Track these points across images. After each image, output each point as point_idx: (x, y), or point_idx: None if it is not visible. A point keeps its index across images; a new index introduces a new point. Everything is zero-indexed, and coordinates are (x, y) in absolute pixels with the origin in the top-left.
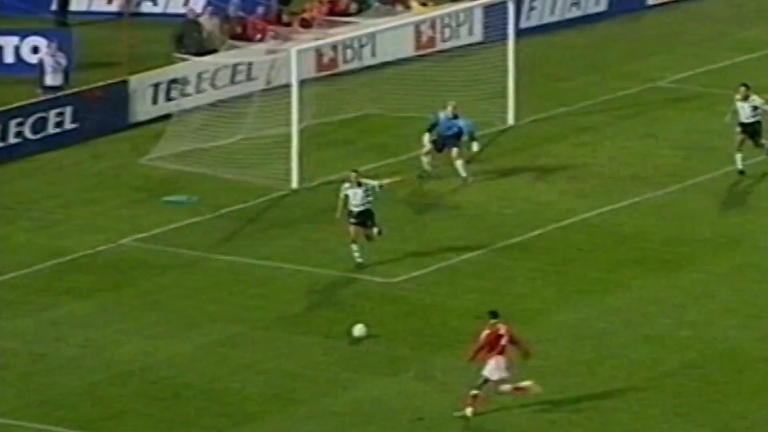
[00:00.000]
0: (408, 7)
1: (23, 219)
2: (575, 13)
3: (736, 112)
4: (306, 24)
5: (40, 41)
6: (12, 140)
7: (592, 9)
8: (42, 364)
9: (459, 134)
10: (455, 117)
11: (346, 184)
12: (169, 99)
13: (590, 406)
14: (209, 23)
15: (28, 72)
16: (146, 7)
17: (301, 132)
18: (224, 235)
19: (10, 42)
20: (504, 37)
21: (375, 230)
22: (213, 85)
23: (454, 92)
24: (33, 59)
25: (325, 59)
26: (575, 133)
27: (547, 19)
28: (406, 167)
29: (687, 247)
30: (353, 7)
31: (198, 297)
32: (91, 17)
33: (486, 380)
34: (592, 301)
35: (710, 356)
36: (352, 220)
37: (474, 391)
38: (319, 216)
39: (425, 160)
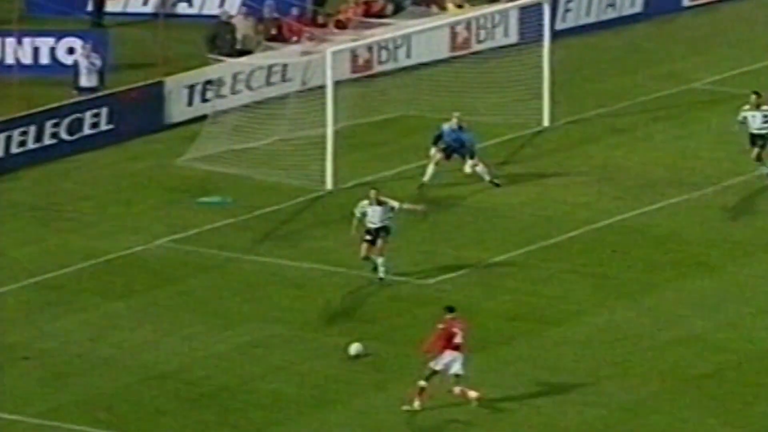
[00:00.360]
0: (443, 9)
1: (59, 220)
2: (611, 14)
3: (744, 122)
4: (341, 25)
5: (76, 42)
6: (48, 141)
7: (628, 10)
8: (78, 365)
9: (464, 146)
10: (460, 128)
11: (365, 201)
12: (204, 100)
13: (625, 407)
14: (243, 24)
15: (63, 73)
16: (182, 8)
17: (336, 133)
18: (259, 236)
19: (45, 43)
20: (539, 39)
21: (379, 260)
22: (248, 87)
23: (489, 93)
24: (68, 60)
25: (360, 60)
26: (610, 135)
27: (583, 20)
28: (439, 169)
29: (722, 248)
30: (389, 8)
31: (233, 298)
32: (127, 18)
33: (435, 372)
34: (628, 303)
35: (746, 358)
36: (367, 237)
37: (422, 383)
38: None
39: (430, 171)
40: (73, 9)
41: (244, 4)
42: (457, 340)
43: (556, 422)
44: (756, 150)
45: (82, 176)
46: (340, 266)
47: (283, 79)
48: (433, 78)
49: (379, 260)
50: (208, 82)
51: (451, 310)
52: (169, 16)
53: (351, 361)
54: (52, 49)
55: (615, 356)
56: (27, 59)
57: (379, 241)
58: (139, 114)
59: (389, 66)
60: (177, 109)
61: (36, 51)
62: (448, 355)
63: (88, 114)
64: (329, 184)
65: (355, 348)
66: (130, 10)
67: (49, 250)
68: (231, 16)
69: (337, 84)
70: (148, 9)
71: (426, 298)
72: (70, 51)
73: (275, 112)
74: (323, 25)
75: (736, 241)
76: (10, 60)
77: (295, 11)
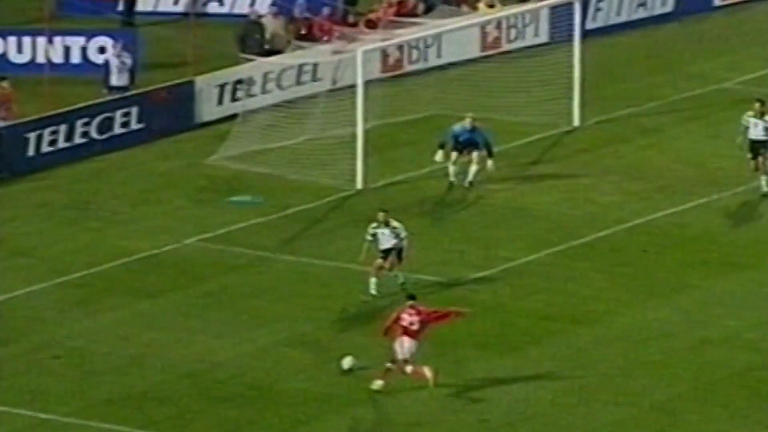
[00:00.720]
0: (474, 8)
1: (89, 219)
2: (641, 14)
3: (746, 129)
4: (372, 25)
5: (107, 41)
6: (78, 140)
7: (658, 10)
8: (107, 364)
9: (478, 145)
10: (473, 129)
11: (374, 224)
12: (234, 99)
13: (657, 407)
14: (272, 24)
15: (94, 72)
16: (212, 8)
17: (366, 132)
18: (289, 235)
19: (76, 42)
20: (570, 38)
21: (391, 273)
22: (279, 86)
23: (519, 93)
24: (99, 59)
25: (391, 60)
26: (641, 135)
27: (613, 20)
28: (460, 168)
29: (753, 248)
30: (420, 8)
31: (263, 297)
32: (158, 17)
33: (404, 360)
34: (658, 303)
35: None
36: (381, 254)
37: (388, 365)
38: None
39: (452, 170)
40: (104, 8)
41: (274, 4)
42: (404, 324)
43: (587, 422)
44: (755, 161)
45: (112, 175)
46: (370, 266)
47: (314, 79)
48: (464, 77)
49: (392, 273)
50: (239, 81)
51: (411, 297)
52: (200, 16)
53: (344, 375)
54: (83, 49)
55: (646, 356)
56: (58, 58)
57: (391, 257)
58: (170, 113)
59: (420, 65)
60: (207, 109)
61: (67, 50)
62: (407, 342)
63: (118, 113)
64: (359, 184)
65: (348, 362)
66: (160, 9)
67: (80, 248)
68: (260, 16)
69: (368, 83)
70: (179, 8)
71: (456, 298)
72: (101, 50)
73: (305, 112)
74: (354, 25)
75: (766, 241)
76: (41, 59)
77: (326, 10)
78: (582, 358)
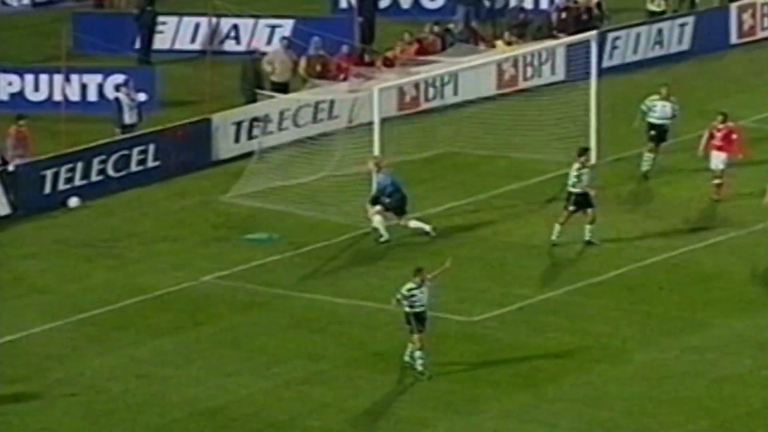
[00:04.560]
0: (492, 46)
1: (105, 256)
2: (658, 52)
3: None
4: (389, 63)
5: (123, 80)
6: (94, 178)
7: (675, 48)
8: (124, 401)
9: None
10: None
11: (411, 285)
12: (251, 137)
13: None
14: (281, 60)
15: (110, 110)
16: (229, 46)
17: None
18: (305, 273)
19: (93, 80)
20: (586, 76)
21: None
22: (295, 123)
23: (536, 131)
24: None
25: (407, 97)
26: (657, 172)
27: (630, 58)
28: (486, 206)
29: None
30: (438, 45)
31: (279, 334)
32: (175, 55)
33: None
34: (674, 341)
35: None
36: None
37: None
38: (400, 254)
39: (381, 226)
40: (121, 47)
41: (289, 43)
42: None
43: None
44: None
45: (128, 213)
46: (386, 303)
47: (330, 116)
48: (480, 115)
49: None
50: (255, 119)
51: None
52: (217, 54)
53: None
54: (100, 86)
55: (662, 393)
56: (75, 96)
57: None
58: (186, 151)
59: (436, 103)
60: (224, 146)
61: (84, 88)
62: None
63: (135, 151)
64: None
65: (73, 201)
66: (177, 47)
67: (96, 286)
68: (262, 54)
69: (384, 121)
70: (196, 46)
71: (472, 335)
72: (118, 88)
73: (322, 149)
74: (371, 63)
75: None
76: (58, 97)
77: (344, 49)
78: (598, 395)
